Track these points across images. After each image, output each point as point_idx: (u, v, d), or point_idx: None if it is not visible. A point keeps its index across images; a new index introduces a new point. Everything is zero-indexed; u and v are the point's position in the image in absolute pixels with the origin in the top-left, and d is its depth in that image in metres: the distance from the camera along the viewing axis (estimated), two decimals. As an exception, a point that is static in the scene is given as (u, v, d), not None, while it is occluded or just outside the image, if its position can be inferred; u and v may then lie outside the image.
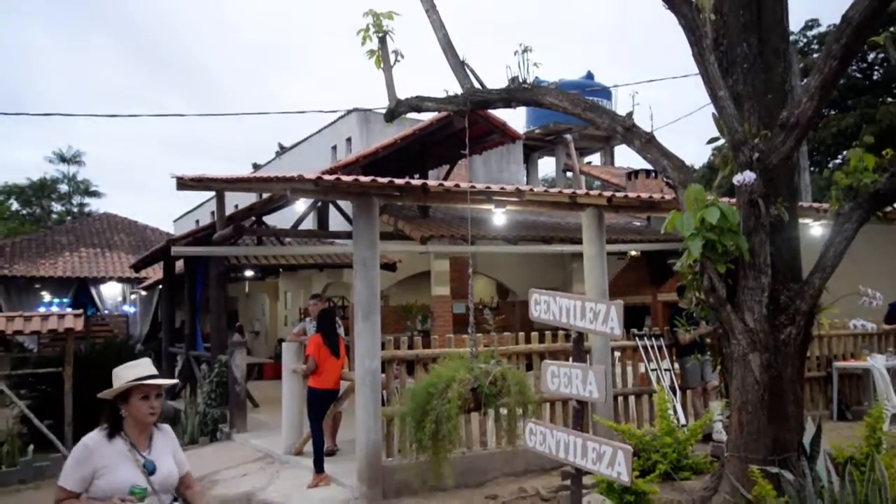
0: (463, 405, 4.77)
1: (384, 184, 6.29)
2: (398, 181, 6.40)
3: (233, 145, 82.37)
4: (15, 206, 45.09)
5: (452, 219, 12.95)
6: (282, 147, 34.29)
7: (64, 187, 45.38)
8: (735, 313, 4.44)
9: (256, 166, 31.99)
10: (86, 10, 79.65)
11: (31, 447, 9.65)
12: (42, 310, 17.38)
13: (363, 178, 6.29)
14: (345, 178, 6.26)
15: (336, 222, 13.91)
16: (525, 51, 5.10)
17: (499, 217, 8.60)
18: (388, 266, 13.37)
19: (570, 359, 5.48)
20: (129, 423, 2.98)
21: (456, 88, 5.45)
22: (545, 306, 4.48)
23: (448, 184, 6.97)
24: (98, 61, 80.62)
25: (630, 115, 4.88)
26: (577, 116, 5.12)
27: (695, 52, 4.45)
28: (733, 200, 4.46)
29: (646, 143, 4.80)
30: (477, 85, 5.39)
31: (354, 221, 6.67)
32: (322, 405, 7.22)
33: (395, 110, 5.59)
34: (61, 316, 10.55)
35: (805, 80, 4.46)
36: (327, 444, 7.55)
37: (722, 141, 4.63)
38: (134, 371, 3.01)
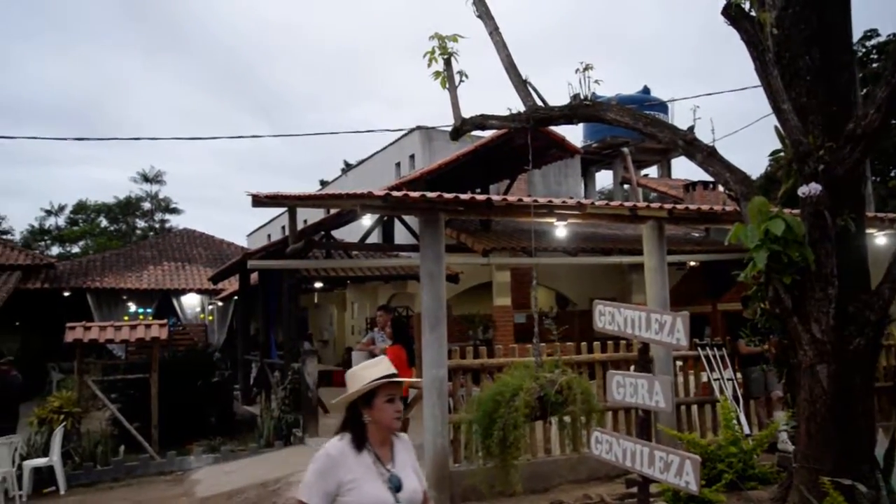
0: (530, 413, 4.92)
1: (450, 199, 6.51)
2: (464, 196, 6.62)
3: (301, 163, 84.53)
4: (104, 223, 47.92)
5: (513, 231, 13.11)
6: (347, 164, 35.17)
7: (147, 205, 48.11)
8: (802, 324, 4.44)
9: (324, 183, 32.89)
10: (167, 38, 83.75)
11: (122, 448, 10.25)
12: (126, 318, 18.40)
13: (430, 194, 6.52)
14: (412, 194, 6.51)
15: (401, 235, 14.26)
16: (586, 69, 5.25)
17: (559, 229, 8.73)
18: (451, 278, 13.60)
19: (633, 368, 5.56)
20: (371, 431, 2.61)
21: (518, 106, 5.64)
22: (609, 317, 4.59)
23: (512, 198, 7.15)
24: (178, 85, 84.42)
25: (691, 128, 4.97)
26: (639, 131, 5.23)
27: (757, 67, 4.51)
28: (796, 211, 4.49)
29: (707, 156, 4.86)
30: (539, 102, 5.56)
31: (421, 235, 6.92)
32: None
33: (461, 128, 5.81)
34: (148, 325, 11.21)
35: (865, 91, 4.45)
36: (396, 449, 7.78)
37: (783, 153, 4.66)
38: (376, 370, 2.66)
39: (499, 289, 13.31)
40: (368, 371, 2.66)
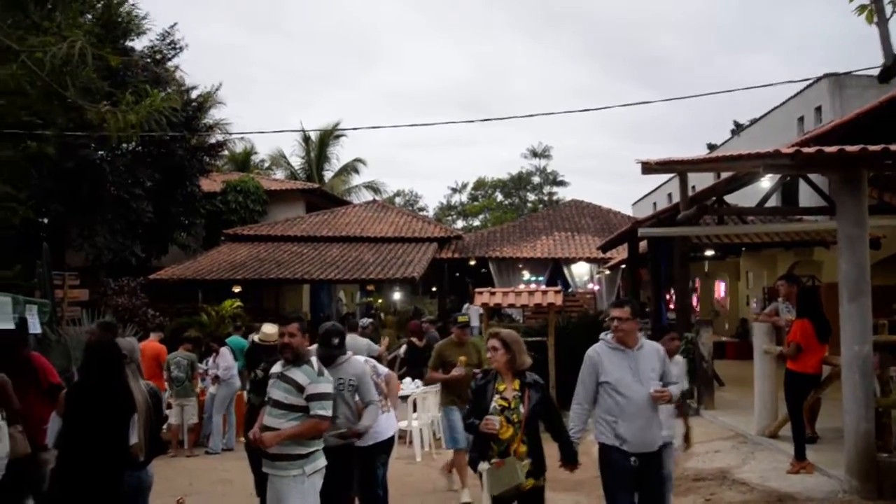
0: None
1: (877, 152, 5.65)
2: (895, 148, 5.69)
3: (687, 127, 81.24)
4: (499, 197, 53.33)
5: (960, 187, 10.83)
6: (737, 125, 32.89)
7: (536, 179, 51.92)
8: None
9: (711, 147, 31.35)
10: (549, 18, 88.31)
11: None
12: (522, 286, 20.11)
13: (850, 148, 5.74)
14: (827, 149, 5.82)
15: (805, 197, 12.88)
16: None
17: None
18: (870, 243, 11.83)
19: None
20: None
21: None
22: None
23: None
24: (561, 61, 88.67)
25: None
26: None
27: None
28: None
29: None
30: None
31: (837, 196, 6.21)
32: (802, 389, 6.85)
33: (893, 67, 5.03)
34: (544, 292, 12.11)
35: None
36: (806, 430, 7.16)
37: None
38: None
39: (936, 256, 11.22)
40: None
